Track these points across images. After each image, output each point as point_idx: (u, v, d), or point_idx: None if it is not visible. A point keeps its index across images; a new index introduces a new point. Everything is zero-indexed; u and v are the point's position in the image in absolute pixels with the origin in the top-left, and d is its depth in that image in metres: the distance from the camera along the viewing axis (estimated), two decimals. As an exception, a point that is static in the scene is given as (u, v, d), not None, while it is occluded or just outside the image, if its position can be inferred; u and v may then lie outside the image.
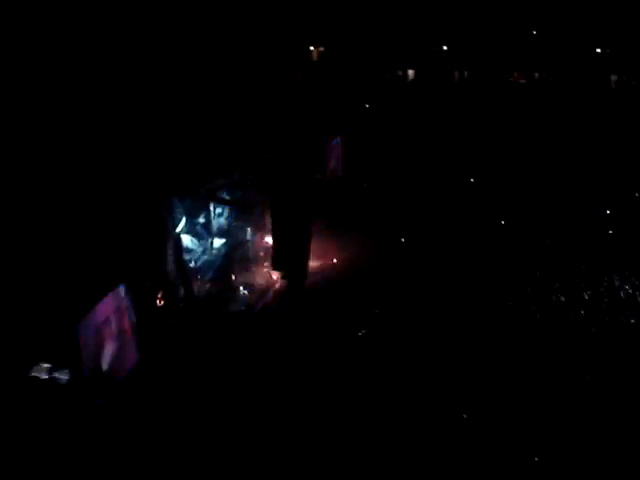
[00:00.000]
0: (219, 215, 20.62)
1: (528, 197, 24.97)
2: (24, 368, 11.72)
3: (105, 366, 12.62)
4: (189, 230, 19.48)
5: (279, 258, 19.45)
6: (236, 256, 20.51)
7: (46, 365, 12.07)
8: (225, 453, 12.10)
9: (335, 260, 21.70)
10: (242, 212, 20.94)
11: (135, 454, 11.51)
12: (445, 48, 29.13)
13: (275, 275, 20.09)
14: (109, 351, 12.87)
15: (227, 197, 20.52)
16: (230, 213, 20.81)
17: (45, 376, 12.03)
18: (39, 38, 14.28)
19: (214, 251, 20.16)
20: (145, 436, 12.00)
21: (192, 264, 19.19)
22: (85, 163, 14.41)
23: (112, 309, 13.03)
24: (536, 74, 30.48)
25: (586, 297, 18.77)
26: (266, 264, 20.61)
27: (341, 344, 16.44)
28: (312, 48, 27.43)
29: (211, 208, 20.31)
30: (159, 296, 17.40)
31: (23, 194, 12.85)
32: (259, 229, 21.21)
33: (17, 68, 13.72)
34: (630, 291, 19.00)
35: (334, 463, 12.11)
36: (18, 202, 12.69)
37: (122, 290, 13.51)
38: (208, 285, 19.17)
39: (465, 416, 13.64)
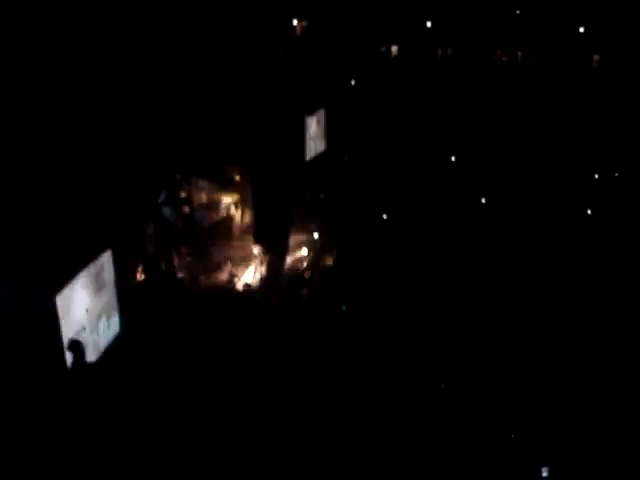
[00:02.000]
0: (200, 188, 20.51)
1: (510, 175, 24.99)
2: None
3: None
4: (170, 202, 19.34)
5: (260, 232, 19.36)
6: (217, 229, 20.43)
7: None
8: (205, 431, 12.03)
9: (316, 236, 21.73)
10: (223, 185, 20.84)
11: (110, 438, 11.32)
12: (429, 25, 28.96)
13: (256, 249, 19.99)
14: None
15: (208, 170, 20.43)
16: (211, 186, 20.70)
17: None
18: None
19: (195, 224, 20.05)
20: (121, 417, 11.81)
21: (173, 237, 19.08)
22: (69, 137, 14.27)
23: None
24: (519, 52, 30.41)
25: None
26: (247, 238, 20.52)
27: (322, 318, 16.41)
28: (295, 22, 27.17)
29: (192, 181, 20.22)
30: (139, 269, 17.31)
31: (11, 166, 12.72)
32: (240, 203, 21.11)
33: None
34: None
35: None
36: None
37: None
38: (189, 258, 19.08)
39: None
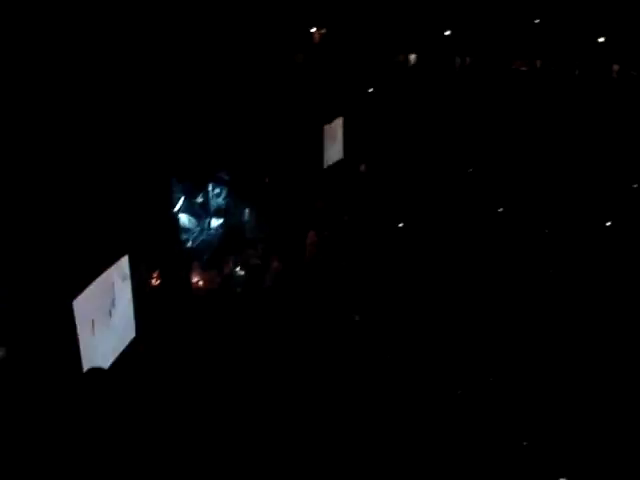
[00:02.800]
0: (217, 195, 20.56)
1: (527, 186, 24.88)
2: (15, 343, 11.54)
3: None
4: (187, 209, 19.42)
5: (276, 239, 19.38)
6: (234, 236, 20.45)
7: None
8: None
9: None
10: (240, 192, 20.88)
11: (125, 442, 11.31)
12: (447, 33, 28.93)
13: (271, 256, 19.99)
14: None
15: (225, 177, 20.47)
16: (228, 193, 20.74)
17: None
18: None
19: (211, 231, 20.11)
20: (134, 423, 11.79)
21: (189, 244, 19.14)
22: (87, 143, 14.30)
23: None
24: (538, 62, 30.33)
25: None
26: (263, 245, 20.52)
27: (335, 325, 16.40)
28: (314, 30, 27.18)
29: (209, 188, 20.27)
30: (155, 275, 17.34)
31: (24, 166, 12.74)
32: (257, 209, 21.12)
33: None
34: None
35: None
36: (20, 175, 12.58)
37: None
38: (205, 265, 19.10)
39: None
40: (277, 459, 11.69)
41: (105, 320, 12.68)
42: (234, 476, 11.34)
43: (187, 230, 19.36)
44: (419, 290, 18.47)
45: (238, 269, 19.58)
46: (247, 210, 21.01)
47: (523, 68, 30.35)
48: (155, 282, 17.33)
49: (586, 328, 16.43)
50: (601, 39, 27.82)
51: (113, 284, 12.94)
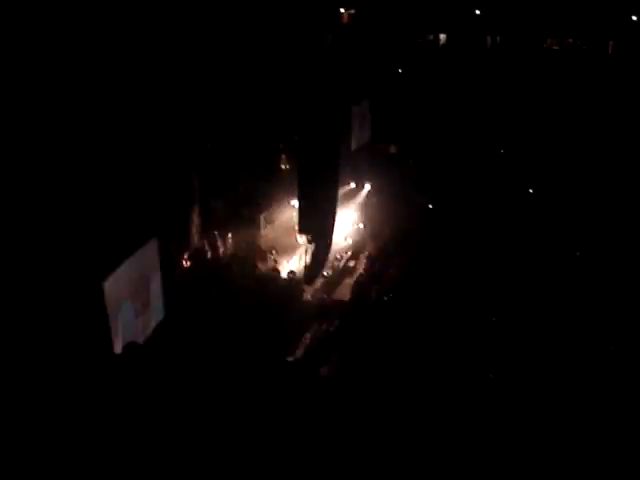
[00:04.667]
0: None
1: (559, 165, 24.62)
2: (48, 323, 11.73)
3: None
4: (218, 192, 19.54)
5: (305, 221, 19.42)
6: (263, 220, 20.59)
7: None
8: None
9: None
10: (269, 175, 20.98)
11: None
12: (478, 13, 28.64)
13: (301, 237, 20.07)
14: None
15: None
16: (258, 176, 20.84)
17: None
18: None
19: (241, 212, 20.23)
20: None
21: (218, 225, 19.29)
22: (118, 126, 14.45)
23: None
24: (570, 41, 29.93)
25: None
26: (292, 226, 20.61)
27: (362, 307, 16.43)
28: (342, 10, 27.10)
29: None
30: (185, 257, 17.53)
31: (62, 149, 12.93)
32: (285, 192, 21.20)
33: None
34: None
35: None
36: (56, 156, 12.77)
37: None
38: (234, 248, 19.25)
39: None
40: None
41: (135, 300, 12.90)
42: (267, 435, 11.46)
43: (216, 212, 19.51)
44: (449, 268, 18.44)
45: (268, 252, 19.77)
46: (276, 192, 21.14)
47: (555, 47, 29.97)
48: (185, 264, 17.54)
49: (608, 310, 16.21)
50: (634, 17, 27.36)
51: (143, 266, 13.11)
